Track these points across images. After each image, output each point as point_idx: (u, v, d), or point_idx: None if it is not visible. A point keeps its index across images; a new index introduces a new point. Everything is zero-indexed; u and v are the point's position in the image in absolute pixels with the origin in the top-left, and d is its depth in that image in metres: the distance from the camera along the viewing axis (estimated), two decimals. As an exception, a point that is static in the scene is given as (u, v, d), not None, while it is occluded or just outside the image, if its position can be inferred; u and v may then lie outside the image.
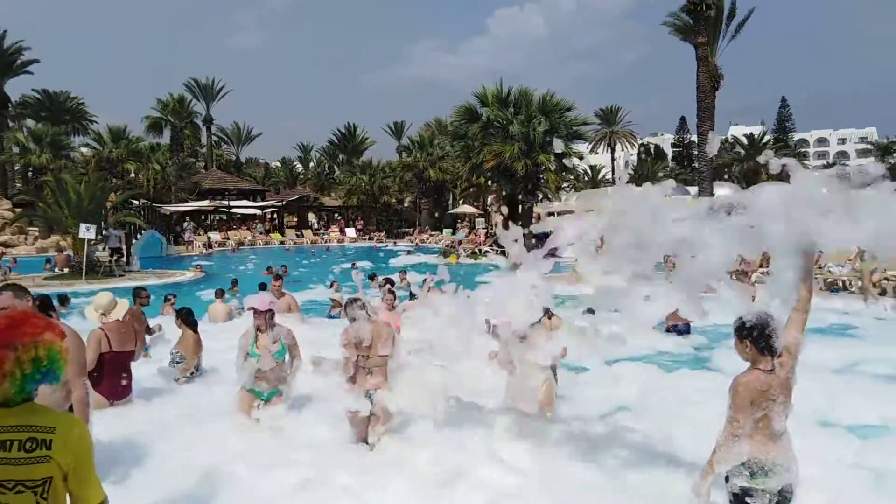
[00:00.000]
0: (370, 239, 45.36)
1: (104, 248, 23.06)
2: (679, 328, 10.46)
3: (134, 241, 27.62)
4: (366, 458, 5.11)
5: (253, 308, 5.79)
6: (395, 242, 43.17)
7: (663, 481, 4.42)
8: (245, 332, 5.88)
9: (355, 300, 5.50)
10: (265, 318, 5.79)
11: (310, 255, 32.96)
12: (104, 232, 23.22)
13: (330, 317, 12.77)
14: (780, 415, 3.28)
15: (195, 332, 7.80)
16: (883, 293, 14.76)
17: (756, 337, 3.30)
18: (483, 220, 43.64)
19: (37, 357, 2.08)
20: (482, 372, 6.53)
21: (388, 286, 10.40)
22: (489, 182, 39.19)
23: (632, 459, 4.91)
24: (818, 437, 5.37)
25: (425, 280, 8.12)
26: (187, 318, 7.81)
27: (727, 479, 3.38)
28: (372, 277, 14.66)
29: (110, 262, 22.19)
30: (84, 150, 49.87)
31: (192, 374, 7.60)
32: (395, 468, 4.79)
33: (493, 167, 32.05)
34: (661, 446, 5.17)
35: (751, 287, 10.69)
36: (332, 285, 16.43)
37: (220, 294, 12.89)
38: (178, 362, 7.49)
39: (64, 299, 11.27)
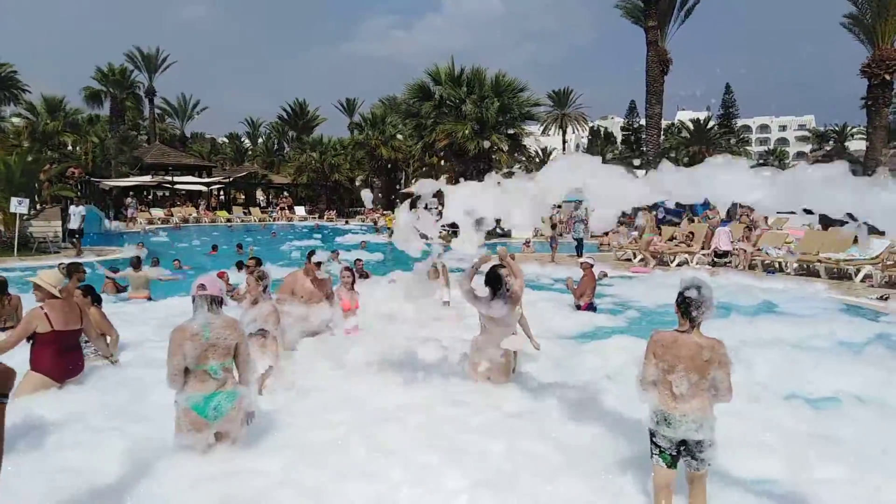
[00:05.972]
0: (320, 218, 44.67)
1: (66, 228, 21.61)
2: (593, 306, 11.10)
3: (69, 216, 26.38)
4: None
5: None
6: (346, 221, 42.60)
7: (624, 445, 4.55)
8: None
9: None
10: None
11: (269, 234, 31.88)
12: (68, 210, 21.69)
13: None
14: (681, 379, 3.55)
15: (97, 306, 7.15)
16: (811, 274, 15.29)
17: (678, 302, 3.69)
18: (435, 199, 43.50)
19: None
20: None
21: (345, 266, 10.07)
22: (442, 161, 39.02)
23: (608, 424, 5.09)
24: (778, 410, 5.64)
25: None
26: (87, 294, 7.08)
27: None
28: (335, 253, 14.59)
29: (54, 239, 21.10)
30: (16, 119, 47.23)
31: (94, 351, 6.83)
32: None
33: (445, 146, 31.87)
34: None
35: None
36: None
37: (136, 264, 12.41)
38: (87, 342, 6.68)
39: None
